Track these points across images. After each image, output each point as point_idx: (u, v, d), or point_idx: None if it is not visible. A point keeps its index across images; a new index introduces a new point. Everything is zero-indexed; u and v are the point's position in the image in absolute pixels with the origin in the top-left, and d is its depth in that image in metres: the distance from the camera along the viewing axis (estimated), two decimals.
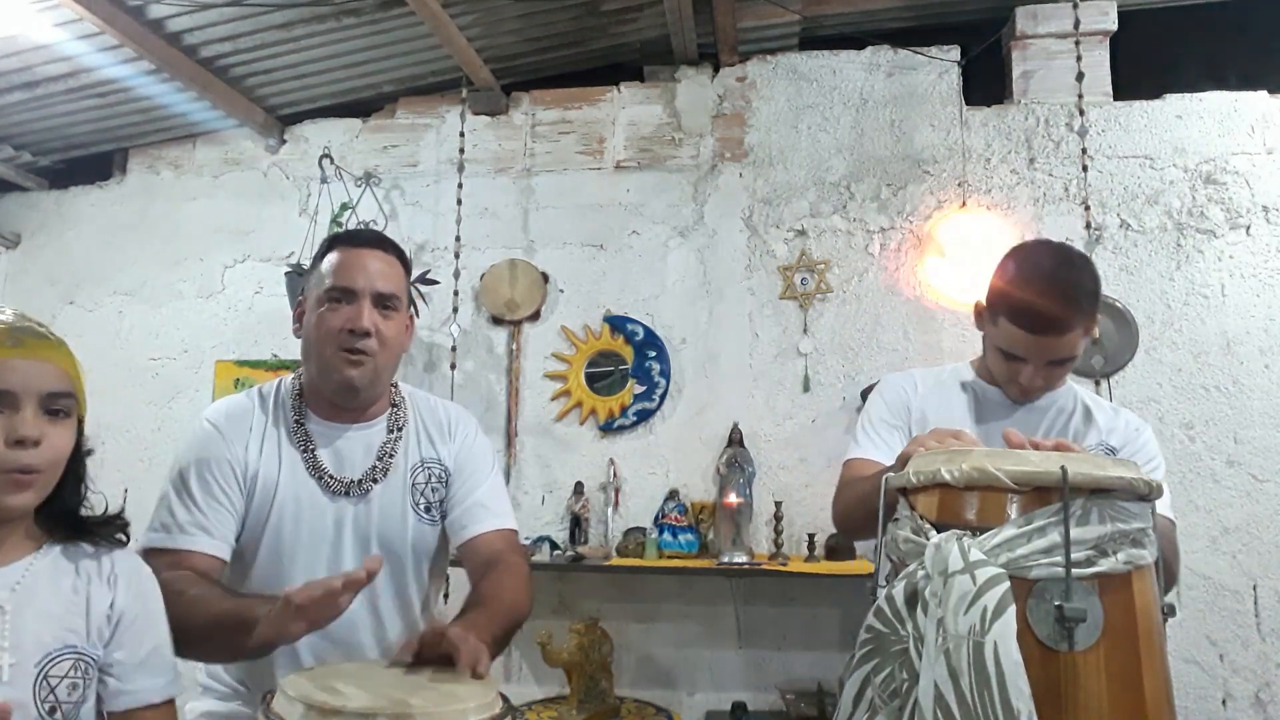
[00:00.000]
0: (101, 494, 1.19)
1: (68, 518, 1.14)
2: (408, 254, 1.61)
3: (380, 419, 1.55)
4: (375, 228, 3.12)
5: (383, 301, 1.47)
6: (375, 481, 1.50)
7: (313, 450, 1.49)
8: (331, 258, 1.49)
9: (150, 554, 1.38)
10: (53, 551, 1.12)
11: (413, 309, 1.61)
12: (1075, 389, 1.72)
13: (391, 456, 1.52)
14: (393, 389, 1.59)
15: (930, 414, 1.64)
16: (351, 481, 1.49)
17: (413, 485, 1.53)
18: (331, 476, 1.48)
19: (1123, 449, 1.61)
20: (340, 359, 1.44)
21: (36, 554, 1.11)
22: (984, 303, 1.62)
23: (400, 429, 1.55)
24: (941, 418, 1.59)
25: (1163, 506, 1.54)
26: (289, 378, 1.57)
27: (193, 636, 1.25)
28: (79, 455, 1.13)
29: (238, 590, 1.44)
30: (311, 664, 1.36)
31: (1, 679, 1.02)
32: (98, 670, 1.12)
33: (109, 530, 1.17)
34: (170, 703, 1.17)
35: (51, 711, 1.05)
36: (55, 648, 1.07)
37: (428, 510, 1.53)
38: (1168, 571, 1.46)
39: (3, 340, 1.04)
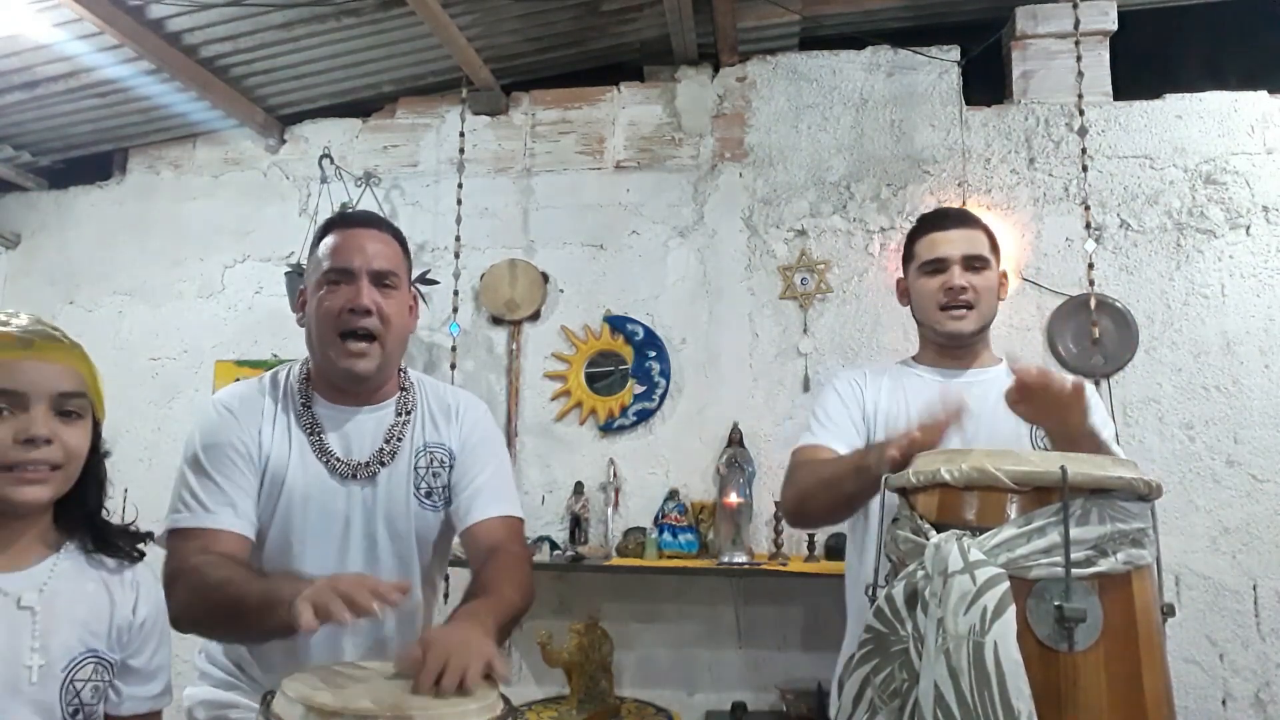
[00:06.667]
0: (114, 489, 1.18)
1: (88, 520, 1.13)
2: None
3: (389, 402, 1.54)
4: None
5: (381, 279, 1.46)
6: (383, 465, 1.49)
7: (320, 434, 1.48)
8: (328, 240, 1.49)
9: (177, 535, 1.38)
10: (72, 554, 1.11)
11: (414, 291, 1.60)
12: (1008, 368, 1.73)
13: (400, 440, 1.51)
14: (401, 374, 1.57)
15: (883, 399, 1.71)
16: (359, 464, 1.48)
17: (414, 469, 1.52)
18: (339, 460, 1.47)
19: None
20: (342, 350, 1.43)
21: (58, 555, 1.10)
22: (902, 275, 1.80)
23: (409, 413, 1.54)
24: (895, 400, 1.70)
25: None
26: (297, 364, 1.57)
27: (220, 618, 1.26)
28: (97, 457, 1.13)
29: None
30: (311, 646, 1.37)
31: (31, 680, 1.02)
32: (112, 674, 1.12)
33: (129, 540, 1.16)
34: (159, 713, 1.19)
35: (75, 714, 1.05)
36: (79, 651, 1.07)
37: (429, 495, 1.52)
38: None
39: (13, 342, 1.05)
